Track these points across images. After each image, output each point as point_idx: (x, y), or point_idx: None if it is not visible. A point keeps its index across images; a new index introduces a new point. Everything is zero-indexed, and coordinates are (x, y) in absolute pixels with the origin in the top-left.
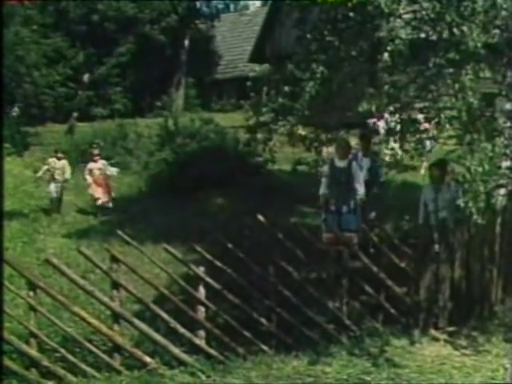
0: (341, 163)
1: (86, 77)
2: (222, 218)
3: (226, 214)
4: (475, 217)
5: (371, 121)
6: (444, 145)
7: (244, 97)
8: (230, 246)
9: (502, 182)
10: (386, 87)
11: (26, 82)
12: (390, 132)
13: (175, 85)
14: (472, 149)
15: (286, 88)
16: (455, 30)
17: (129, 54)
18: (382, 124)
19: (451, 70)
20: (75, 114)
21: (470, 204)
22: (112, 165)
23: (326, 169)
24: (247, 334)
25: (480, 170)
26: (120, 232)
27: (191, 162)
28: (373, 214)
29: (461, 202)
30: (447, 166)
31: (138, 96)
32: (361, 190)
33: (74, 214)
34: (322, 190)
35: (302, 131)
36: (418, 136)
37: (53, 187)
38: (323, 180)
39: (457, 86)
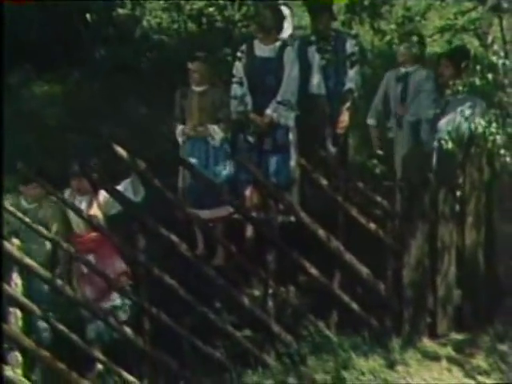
0: (266, 50)
1: None
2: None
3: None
4: (502, 151)
5: None
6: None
7: None
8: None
9: None
10: None
11: None
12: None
13: None
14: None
15: None
16: None
17: None
18: None
19: None
20: None
21: (493, 128)
22: None
23: (239, 65)
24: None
25: None
26: None
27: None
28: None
29: (480, 125)
30: (468, 58)
31: None
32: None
33: None
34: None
35: None
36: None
37: None
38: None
39: None
